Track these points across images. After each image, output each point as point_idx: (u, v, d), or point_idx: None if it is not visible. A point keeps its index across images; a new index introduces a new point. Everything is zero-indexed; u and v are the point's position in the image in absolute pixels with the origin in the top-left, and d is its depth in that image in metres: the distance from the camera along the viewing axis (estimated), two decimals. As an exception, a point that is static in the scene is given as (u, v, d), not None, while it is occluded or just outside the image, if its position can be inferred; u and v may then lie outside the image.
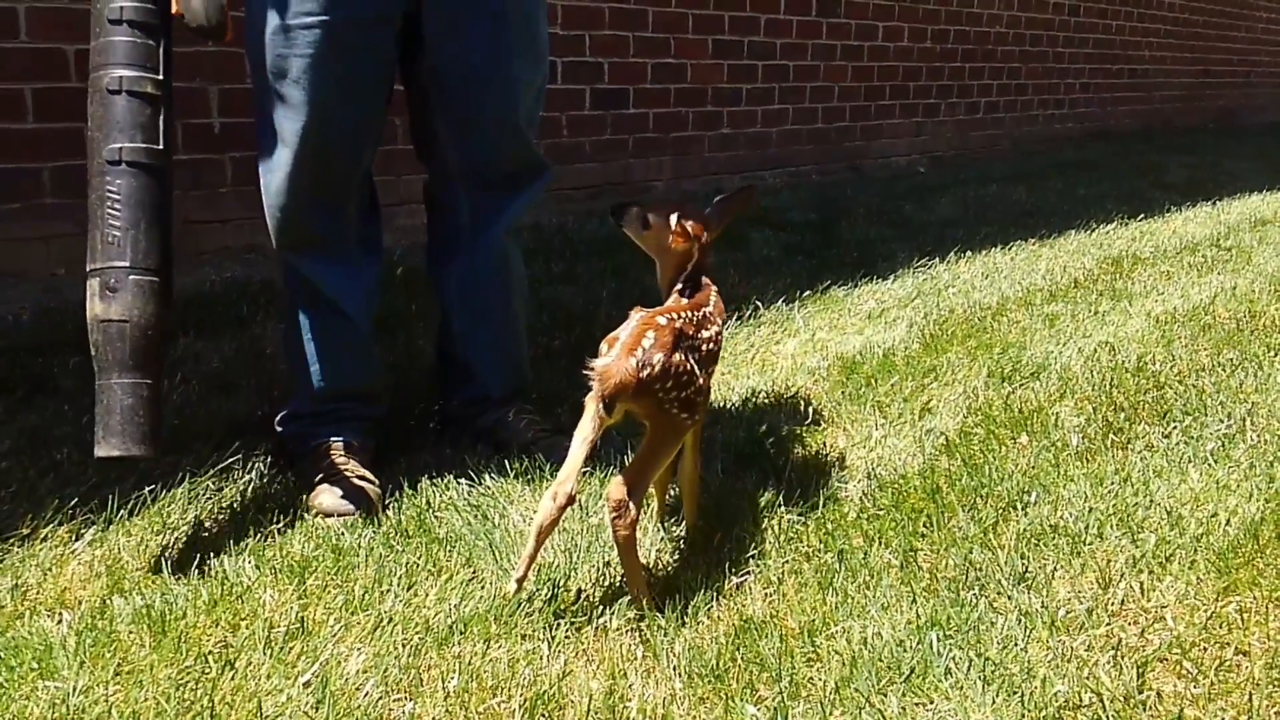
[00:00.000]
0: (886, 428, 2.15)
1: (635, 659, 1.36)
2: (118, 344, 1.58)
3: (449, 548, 1.64)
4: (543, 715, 1.26)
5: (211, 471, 1.86)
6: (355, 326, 1.95)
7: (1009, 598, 1.50)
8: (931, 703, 1.28)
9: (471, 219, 1.99)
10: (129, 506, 1.72)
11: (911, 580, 1.54)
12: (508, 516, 1.75)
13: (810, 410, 2.24)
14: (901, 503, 1.78)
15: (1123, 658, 1.35)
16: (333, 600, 1.50)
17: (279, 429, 2.00)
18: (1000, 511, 1.75)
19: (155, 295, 1.61)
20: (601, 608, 1.47)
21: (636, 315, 1.46)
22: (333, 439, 1.92)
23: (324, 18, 1.70)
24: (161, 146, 1.62)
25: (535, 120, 1.98)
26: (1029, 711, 1.25)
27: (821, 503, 1.77)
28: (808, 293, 3.19)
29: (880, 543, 1.65)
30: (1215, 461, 1.94)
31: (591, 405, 1.41)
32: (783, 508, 1.75)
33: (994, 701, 1.27)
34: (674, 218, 1.51)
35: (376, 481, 1.85)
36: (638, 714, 1.25)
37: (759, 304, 3.02)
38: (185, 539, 1.67)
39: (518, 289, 2.10)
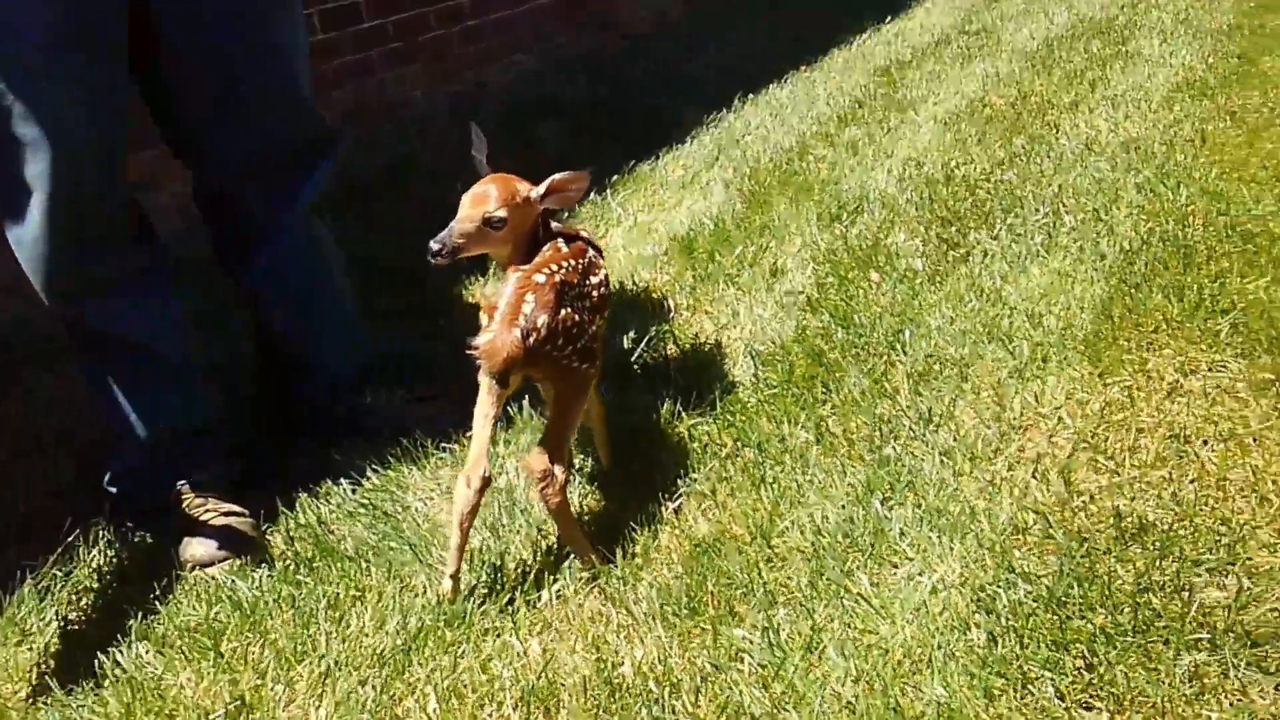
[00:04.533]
0: (746, 300, 2.15)
1: (609, 620, 1.32)
2: None
3: (363, 563, 1.52)
4: (539, 709, 1.20)
5: (53, 557, 1.63)
6: (166, 361, 1.72)
7: (923, 440, 1.55)
8: (897, 566, 1.32)
9: (265, 208, 1.77)
10: (-24, 630, 1.49)
11: (832, 452, 1.56)
12: (408, 506, 1.64)
13: (666, 303, 2.20)
14: (792, 375, 1.79)
15: (1045, 470, 1.43)
16: (261, 661, 1.36)
17: (111, 490, 1.77)
18: (884, 358, 1.80)
19: None
20: (551, 576, 1.40)
21: (513, 276, 1.34)
22: (180, 484, 1.72)
23: (37, 39, 1.42)
24: None
25: (311, 85, 1.76)
26: (986, 548, 1.30)
27: (717, 398, 1.76)
28: (615, 176, 3.09)
29: (789, 421, 1.66)
30: (1048, 251, 2.06)
31: (485, 380, 1.31)
32: (683, 415, 1.72)
33: (953, 548, 1.31)
34: (533, 191, 1.40)
35: (246, 512, 1.68)
36: (635, 676, 1.22)
37: (571, 202, 2.91)
38: (57, 643, 1.47)
39: (335, 264, 1.92)
